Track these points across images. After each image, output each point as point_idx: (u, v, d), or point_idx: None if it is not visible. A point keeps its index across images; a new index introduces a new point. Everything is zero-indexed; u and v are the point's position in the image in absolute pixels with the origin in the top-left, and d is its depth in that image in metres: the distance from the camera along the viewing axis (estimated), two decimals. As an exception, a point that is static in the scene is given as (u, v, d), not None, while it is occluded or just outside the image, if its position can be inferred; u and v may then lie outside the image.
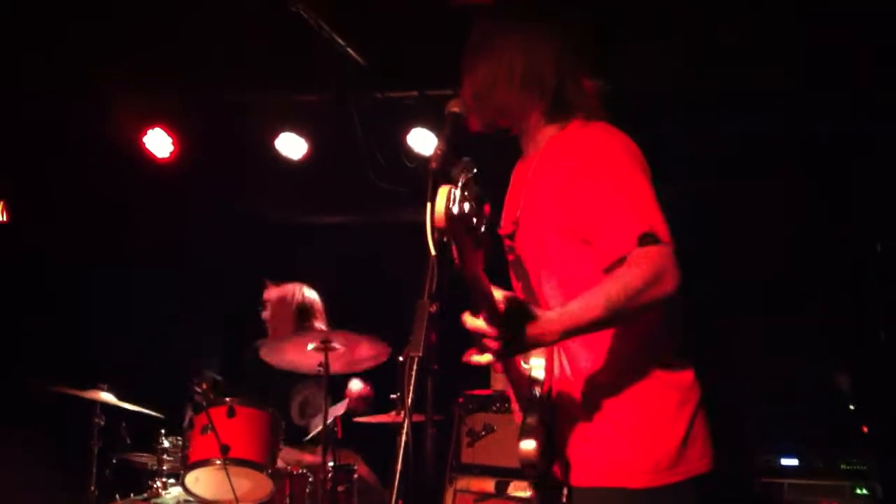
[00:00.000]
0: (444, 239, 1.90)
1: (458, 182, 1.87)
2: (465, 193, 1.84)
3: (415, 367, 1.97)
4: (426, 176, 1.89)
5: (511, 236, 2.47)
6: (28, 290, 5.50)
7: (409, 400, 2.00)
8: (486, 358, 2.09)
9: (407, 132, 5.24)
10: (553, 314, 2.10)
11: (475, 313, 2.04)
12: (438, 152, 1.97)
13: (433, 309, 2.00)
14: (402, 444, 2.06)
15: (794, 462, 4.71)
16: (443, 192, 1.84)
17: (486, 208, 1.93)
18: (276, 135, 5.50)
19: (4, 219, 5.99)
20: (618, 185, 2.21)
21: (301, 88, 5.23)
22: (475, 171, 1.90)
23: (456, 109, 2.18)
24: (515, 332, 2.04)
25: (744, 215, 5.05)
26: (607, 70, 2.49)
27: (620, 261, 2.14)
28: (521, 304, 2.06)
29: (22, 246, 5.78)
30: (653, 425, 2.24)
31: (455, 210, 1.82)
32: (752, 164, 5.00)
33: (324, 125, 5.39)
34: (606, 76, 2.49)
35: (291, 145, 5.51)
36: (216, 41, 4.54)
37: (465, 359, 2.16)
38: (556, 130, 2.40)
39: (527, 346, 2.11)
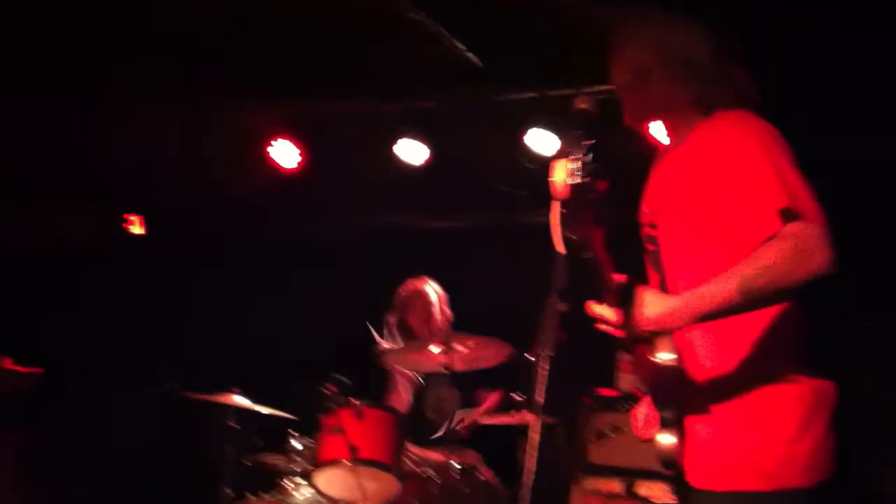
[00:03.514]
0: (572, 237, 1.90)
1: (573, 154, 1.88)
2: (582, 167, 1.85)
3: (545, 367, 1.98)
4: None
5: (652, 226, 2.43)
6: (165, 298, 5.74)
7: (540, 399, 2.00)
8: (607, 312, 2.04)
9: (524, 134, 5.24)
10: (677, 300, 2.04)
11: (600, 300, 2.02)
12: (586, 145, 1.96)
13: (562, 308, 2.00)
14: (533, 442, 2.06)
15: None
16: (561, 164, 1.85)
17: (604, 184, 1.92)
18: (395, 141, 5.57)
19: (143, 231, 6.28)
20: (753, 167, 2.13)
21: (420, 94, 5.27)
22: (590, 141, 1.90)
23: (584, 106, 2.16)
24: (639, 316, 1.99)
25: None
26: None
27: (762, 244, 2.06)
28: (645, 287, 2.02)
29: (157, 257, 6.05)
30: (780, 429, 2.16)
31: (573, 181, 1.83)
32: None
33: (443, 129, 5.43)
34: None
35: (411, 151, 5.56)
36: (337, 51, 4.62)
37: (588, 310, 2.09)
38: (702, 120, 2.37)
39: (652, 331, 2.06)
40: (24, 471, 4.80)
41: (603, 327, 2.07)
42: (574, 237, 1.91)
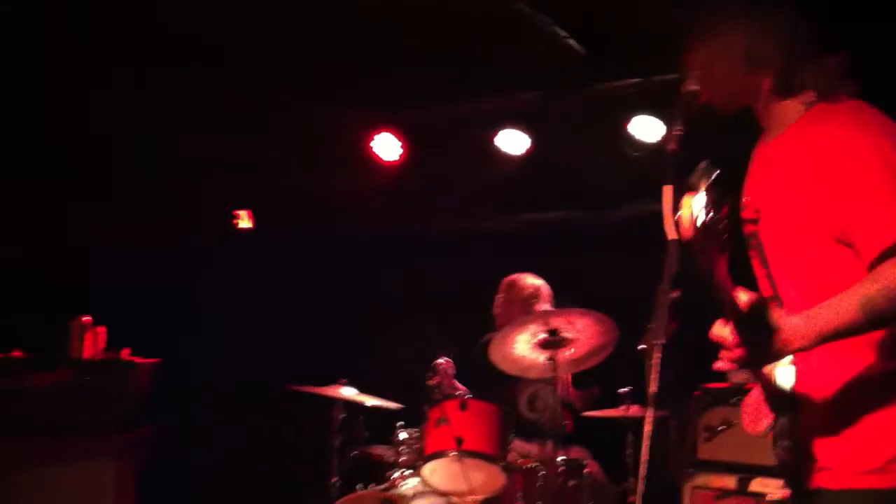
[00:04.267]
0: (693, 246, 1.86)
1: (699, 188, 1.83)
2: (708, 199, 1.80)
3: (658, 356, 1.93)
4: (665, 159, 1.85)
5: (754, 222, 2.34)
6: (272, 292, 5.86)
7: (653, 389, 1.95)
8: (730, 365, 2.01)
9: (628, 121, 5.15)
10: (799, 320, 1.97)
11: (726, 321, 1.97)
12: (676, 134, 1.91)
13: (674, 295, 1.95)
14: (647, 434, 2.02)
15: None
16: (687, 202, 1.82)
17: (725, 210, 1.87)
18: (496, 132, 5.55)
19: (251, 225, 6.42)
20: (869, 174, 2.02)
21: (521, 85, 5.24)
22: (716, 173, 1.86)
23: (693, 88, 2.10)
24: (758, 342, 1.94)
25: None
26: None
27: (881, 258, 1.97)
28: (766, 311, 1.95)
29: (265, 251, 6.18)
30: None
31: (700, 220, 1.79)
32: None
33: (544, 120, 5.39)
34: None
35: (513, 142, 5.53)
36: (437, 43, 4.63)
37: (714, 367, 2.08)
38: (799, 110, 2.26)
39: (771, 358, 2.01)
40: (144, 463, 4.95)
41: (726, 354, 2.03)
42: (703, 271, 1.87)
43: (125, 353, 5.11)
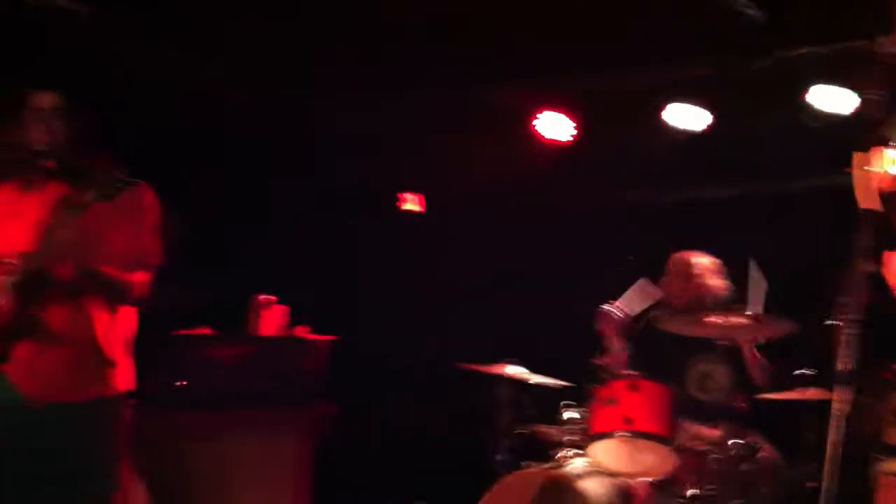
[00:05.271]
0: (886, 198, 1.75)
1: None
2: None
3: (849, 332, 1.83)
4: (864, 126, 1.75)
5: None
6: (443, 274, 5.94)
7: (844, 367, 1.86)
8: None
9: (806, 91, 4.91)
10: None
11: None
12: (874, 98, 1.80)
13: (868, 268, 1.85)
14: (837, 414, 1.92)
15: None
16: (883, 156, 1.70)
17: None
18: (665, 107, 5.41)
19: (421, 209, 6.52)
20: None
21: (694, 56, 5.07)
22: None
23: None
24: None
25: None
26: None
27: None
28: None
29: (432, 234, 6.27)
30: None
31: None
32: None
33: (719, 91, 5.21)
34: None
35: (685, 116, 5.38)
36: (607, 17, 4.54)
37: None
38: None
39: None
40: (321, 439, 5.11)
41: None
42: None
43: (302, 331, 5.28)
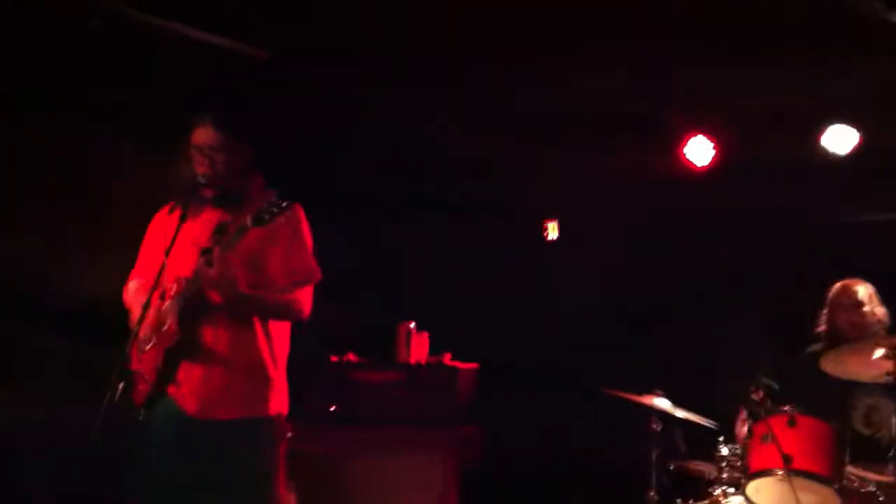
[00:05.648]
0: None
1: None
2: None
3: None
4: None
5: None
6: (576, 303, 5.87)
7: None
8: None
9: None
10: None
11: None
12: None
13: None
14: None
15: None
16: None
17: None
18: (820, 131, 5.21)
19: (556, 236, 6.46)
20: None
21: (846, 76, 4.87)
22: None
23: None
24: None
25: None
26: None
27: None
28: None
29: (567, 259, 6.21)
30: None
31: None
32: None
33: (874, 111, 4.98)
34: None
35: (839, 139, 5.16)
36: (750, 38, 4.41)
37: None
38: None
39: None
40: (467, 461, 5.13)
41: None
42: None
43: (447, 358, 5.33)
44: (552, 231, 6.49)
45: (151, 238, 3.59)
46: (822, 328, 4.85)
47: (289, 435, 3.66)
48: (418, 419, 5.10)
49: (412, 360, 5.31)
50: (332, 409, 5.10)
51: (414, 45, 4.69)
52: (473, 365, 5.38)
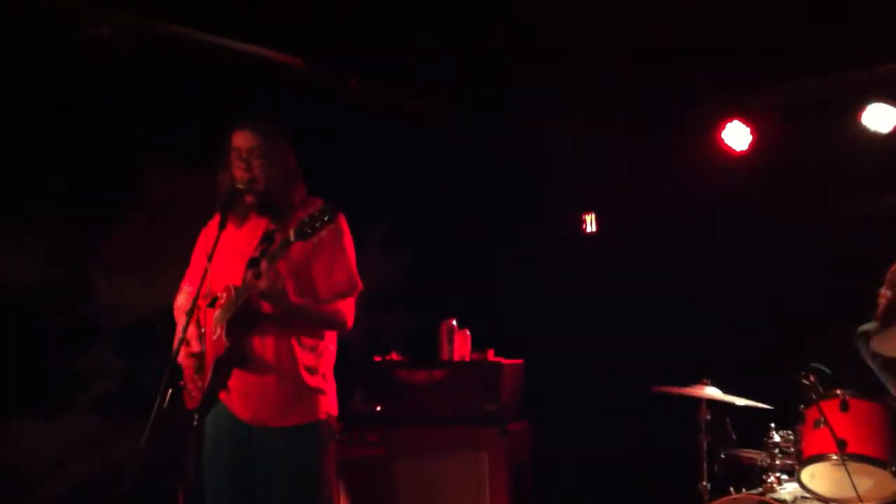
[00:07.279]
0: None
1: None
2: None
3: None
4: None
5: None
6: (618, 294, 5.82)
7: None
8: None
9: None
10: None
11: None
12: None
13: None
14: None
15: None
16: None
17: None
18: (860, 110, 5.13)
19: (595, 229, 6.42)
20: None
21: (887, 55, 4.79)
22: None
23: None
24: None
25: None
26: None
27: None
28: None
29: (604, 253, 6.17)
30: None
31: None
32: None
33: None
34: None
35: (881, 118, 5.07)
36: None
37: None
38: None
39: None
40: (516, 458, 5.12)
41: None
42: None
43: (491, 354, 5.31)
44: (590, 224, 6.45)
45: (200, 248, 3.62)
46: (881, 306, 4.74)
47: (337, 436, 3.67)
48: (464, 417, 5.08)
49: (455, 358, 5.29)
50: (377, 408, 5.11)
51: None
52: (518, 361, 5.36)
